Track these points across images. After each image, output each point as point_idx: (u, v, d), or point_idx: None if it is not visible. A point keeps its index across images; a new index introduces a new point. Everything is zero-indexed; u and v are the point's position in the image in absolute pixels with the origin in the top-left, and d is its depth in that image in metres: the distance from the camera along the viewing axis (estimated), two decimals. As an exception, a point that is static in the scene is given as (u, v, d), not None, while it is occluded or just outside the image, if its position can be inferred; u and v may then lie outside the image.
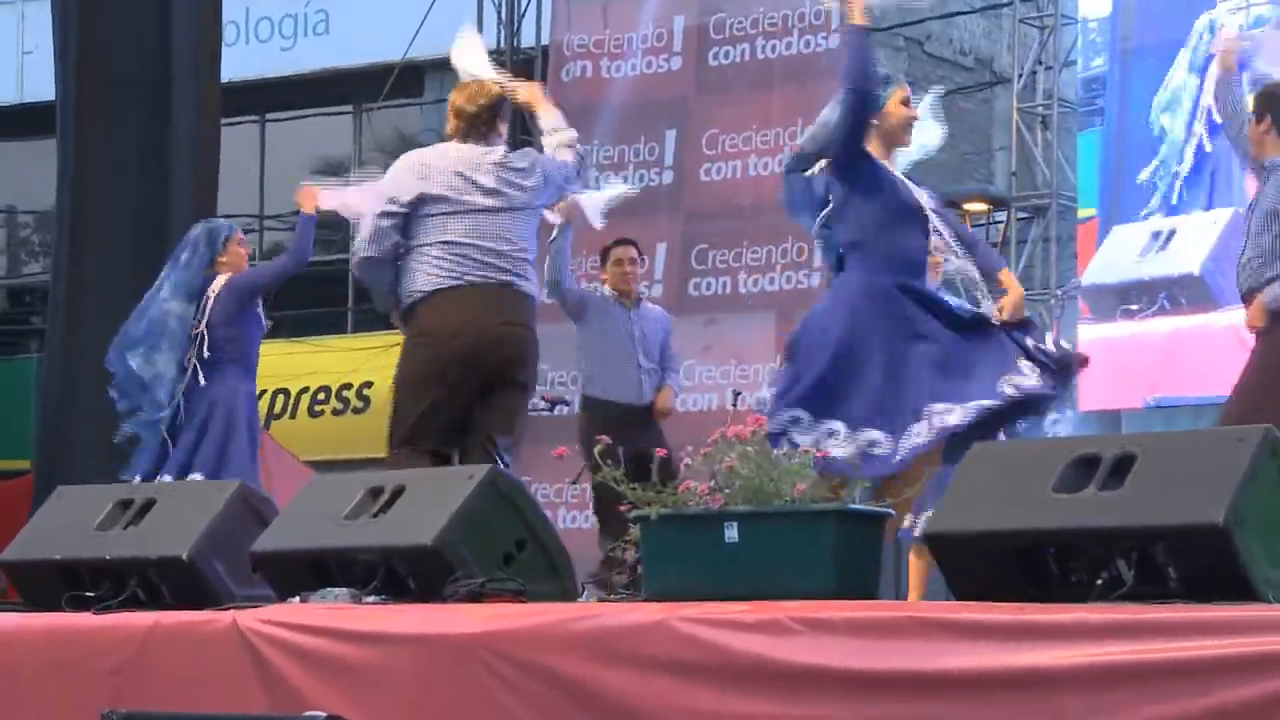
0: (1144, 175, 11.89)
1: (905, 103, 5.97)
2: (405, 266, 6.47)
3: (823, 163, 5.93)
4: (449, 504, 4.87)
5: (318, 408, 16.54)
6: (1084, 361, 5.92)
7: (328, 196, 7.00)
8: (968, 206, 13.49)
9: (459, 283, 6.38)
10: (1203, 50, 11.30)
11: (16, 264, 19.15)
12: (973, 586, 4.14)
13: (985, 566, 4.14)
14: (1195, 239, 11.50)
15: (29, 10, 17.30)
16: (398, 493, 5.02)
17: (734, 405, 8.78)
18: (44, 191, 14.75)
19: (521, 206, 6.50)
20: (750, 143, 11.60)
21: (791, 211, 6.07)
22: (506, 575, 4.80)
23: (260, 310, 8.31)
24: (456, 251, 6.39)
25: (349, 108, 17.14)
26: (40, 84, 14.80)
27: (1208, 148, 11.48)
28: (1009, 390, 5.60)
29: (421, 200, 6.48)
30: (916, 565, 5.91)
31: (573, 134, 6.74)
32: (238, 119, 15.93)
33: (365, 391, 16.21)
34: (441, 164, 6.55)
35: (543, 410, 10.89)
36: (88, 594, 5.28)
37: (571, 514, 11.42)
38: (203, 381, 7.92)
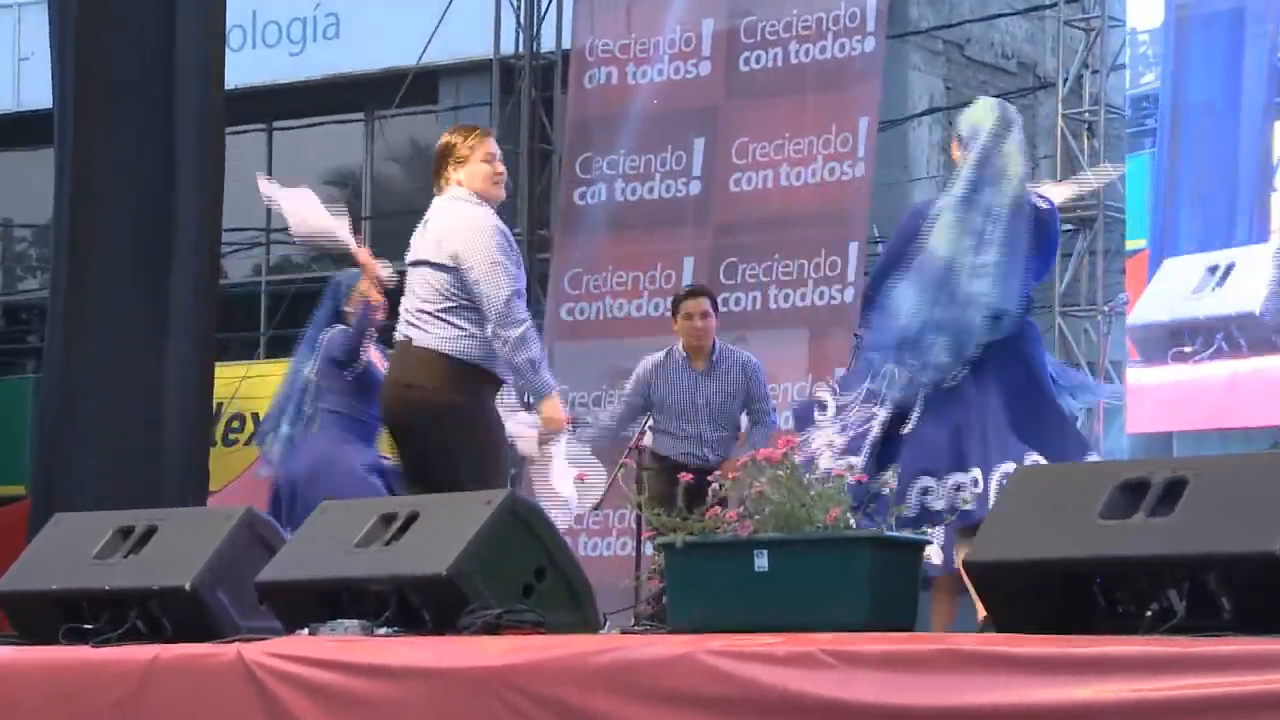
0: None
1: None
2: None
3: None
4: (465, 531, 4.87)
5: (327, 430, 16.56)
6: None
7: (271, 189, 7.16)
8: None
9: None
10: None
11: (12, 280, 19.23)
12: (1014, 618, 4.13)
13: (1028, 597, 4.14)
14: (1256, 273, 10.96)
15: (26, 15, 17.40)
16: (411, 519, 5.03)
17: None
18: (41, 204, 14.81)
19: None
20: (782, 151, 11.60)
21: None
22: (525, 606, 4.81)
23: (358, 365, 8.38)
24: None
25: (360, 115, 17.20)
26: (37, 91, 14.88)
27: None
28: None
29: None
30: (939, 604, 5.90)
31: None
32: (244, 127, 15.99)
33: (377, 413, 16.24)
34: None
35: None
36: (86, 626, 5.29)
37: (593, 541, 11.42)
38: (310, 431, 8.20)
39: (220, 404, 15.32)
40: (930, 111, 15.29)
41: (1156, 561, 4.00)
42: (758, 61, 11.93)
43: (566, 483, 6.65)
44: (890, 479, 5.16)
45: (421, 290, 6.44)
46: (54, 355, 9.88)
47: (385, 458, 8.40)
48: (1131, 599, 4.04)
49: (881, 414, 5.78)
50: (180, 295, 9.40)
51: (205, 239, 9.74)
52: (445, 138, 6.71)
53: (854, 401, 5.87)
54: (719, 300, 10.78)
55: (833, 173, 11.35)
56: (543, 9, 13.97)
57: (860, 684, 3.86)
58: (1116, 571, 4.07)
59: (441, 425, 6.22)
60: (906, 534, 4.74)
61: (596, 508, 8.95)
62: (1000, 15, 15.75)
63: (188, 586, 5.19)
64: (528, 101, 13.97)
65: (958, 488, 5.67)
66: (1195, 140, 11.50)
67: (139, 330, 9.58)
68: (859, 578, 4.45)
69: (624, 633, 5.35)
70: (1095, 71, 13.09)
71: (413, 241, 6.61)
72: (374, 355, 8.61)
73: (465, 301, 6.33)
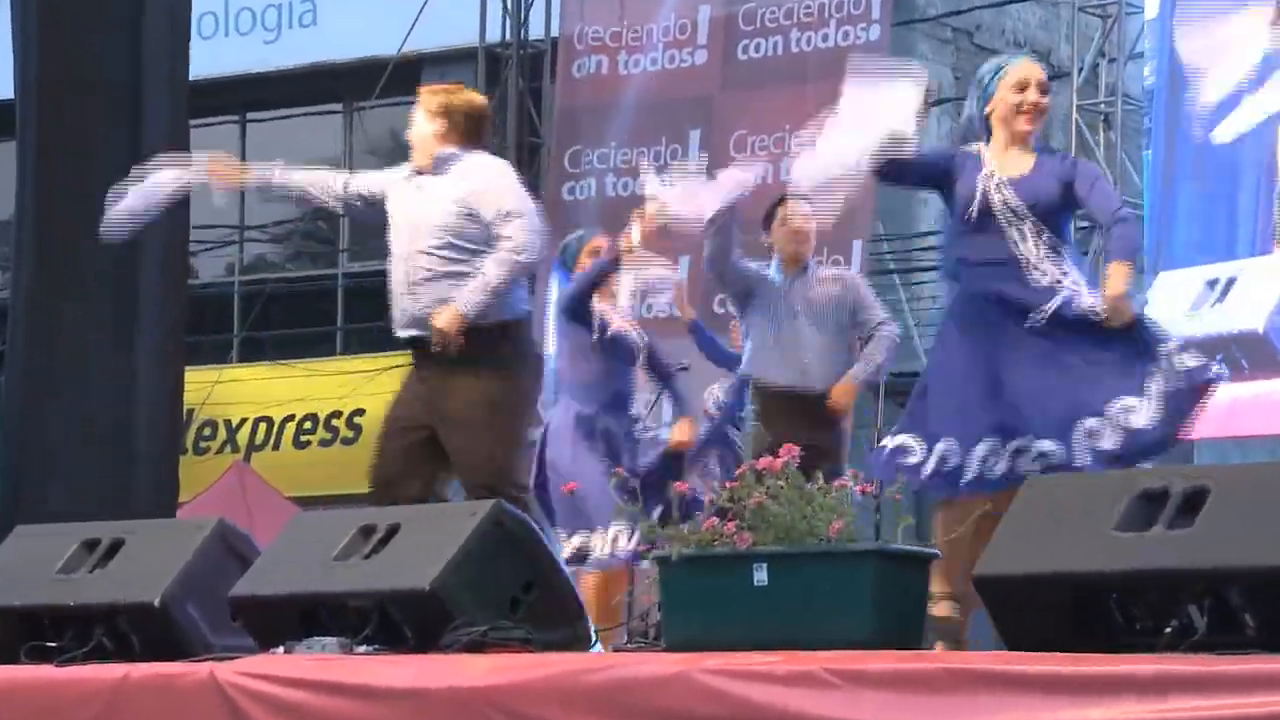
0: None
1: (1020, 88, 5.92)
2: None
3: None
4: (449, 544, 4.88)
5: (304, 438, 16.58)
6: (1204, 390, 5.67)
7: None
8: (1022, 214, 13.49)
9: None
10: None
11: (-28, 279, 19.22)
12: (1026, 636, 4.14)
13: (1040, 613, 4.15)
14: (1260, 288, 10.51)
15: (-14, 0, 17.39)
16: (392, 532, 5.03)
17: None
18: (2, 200, 14.81)
19: None
20: (782, 144, 11.60)
21: None
22: (512, 622, 4.81)
23: (579, 323, 8.01)
24: None
25: (338, 106, 17.20)
26: (-1, 81, 14.86)
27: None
28: (1104, 444, 5.46)
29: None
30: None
31: None
32: (215, 119, 16.00)
33: (356, 420, 16.24)
34: None
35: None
36: (50, 644, 5.29)
37: (584, 555, 11.41)
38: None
39: (191, 410, 15.33)
40: (939, 102, 15.28)
41: (1176, 575, 4.01)
42: (757, 50, 11.95)
43: None
44: (897, 490, 5.16)
45: None
46: (16, 358, 9.88)
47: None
48: (1149, 615, 4.05)
49: None
50: (148, 295, 9.43)
51: (174, 236, 9.76)
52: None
53: None
54: (717, 302, 10.74)
55: (835, 166, 11.35)
56: (531, -5, 13.99)
57: (865, 704, 3.86)
58: (1133, 586, 4.08)
59: None
60: (912, 547, 4.74)
61: None
62: (1012, 1, 15.77)
63: (157, 602, 5.19)
64: (515, 92, 13.99)
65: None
66: (1193, 141, 11.03)
67: (105, 331, 9.60)
68: (863, 593, 4.46)
69: (616, 650, 5.36)
70: (1112, 60, 13.11)
71: None
72: (619, 319, 8.08)
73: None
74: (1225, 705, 3.52)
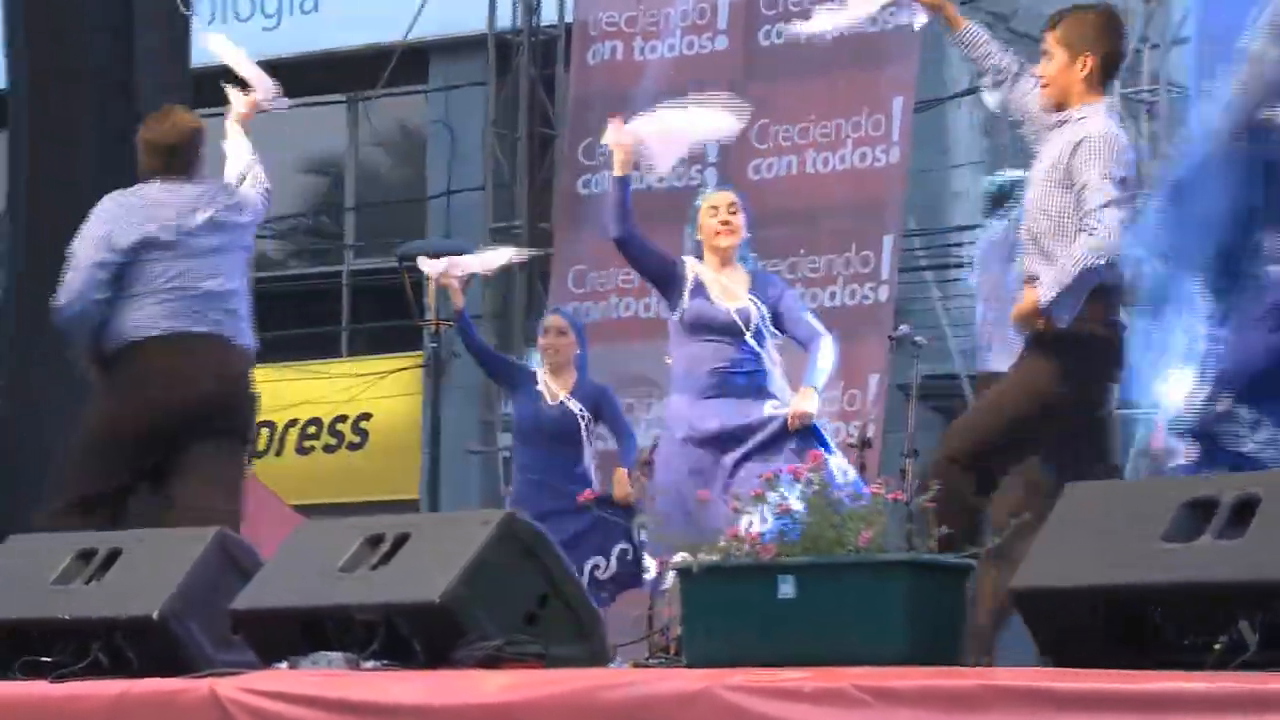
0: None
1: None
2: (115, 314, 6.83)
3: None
4: (460, 554, 4.88)
5: (307, 443, 16.60)
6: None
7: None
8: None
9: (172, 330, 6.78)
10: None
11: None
12: (1067, 651, 4.13)
13: (1081, 628, 4.14)
14: None
15: (-26, -14, 17.43)
16: (400, 541, 5.04)
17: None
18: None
19: (235, 247, 6.94)
20: (808, 135, 11.59)
21: None
22: (527, 636, 4.81)
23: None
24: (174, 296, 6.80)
25: (342, 97, 17.22)
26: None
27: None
28: None
29: (143, 245, 6.85)
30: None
31: (261, 171, 7.08)
32: (214, 109, 16.00)
33: (362, 424, 16.26)
34: (152, 204, 6.95)
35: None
36: (44, 659, 5.30)
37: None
38: None
39: (190, 414, 15.35)
40: (971, 91, 15.26)
41: (1226, 588, 3.99)
42: (779, 35, 11.92)
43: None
44: (930, 498, 5.15)
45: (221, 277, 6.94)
46: (7, 359, 9.91)
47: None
48: (1198, 631, 4.04)
49: None
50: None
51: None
52: (188, 121, 7.39)
53: None
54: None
55: (864, 158, 11.34)
56: (543, -22, 14.00)
57: (898, 723, 3.86)
58: (1181, 599, 4.06)
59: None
60: (947, 557, 4.73)
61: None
62: (1049, -16, 15.75)
63: (155, 615, 5.20)
64: (526, 81, 13.99)
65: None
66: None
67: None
68: (895, 606, 4.45)
69: (636, 666, 5.36)
70: (1155, 46, 13.06)
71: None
72: None
73: None
74: (1278, 724, 3.52)
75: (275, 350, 17.06)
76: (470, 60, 15.74)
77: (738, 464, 7.11)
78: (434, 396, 13.38)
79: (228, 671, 4.93)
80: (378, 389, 15.81)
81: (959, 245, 13.73)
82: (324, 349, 16.90)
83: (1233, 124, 5.04)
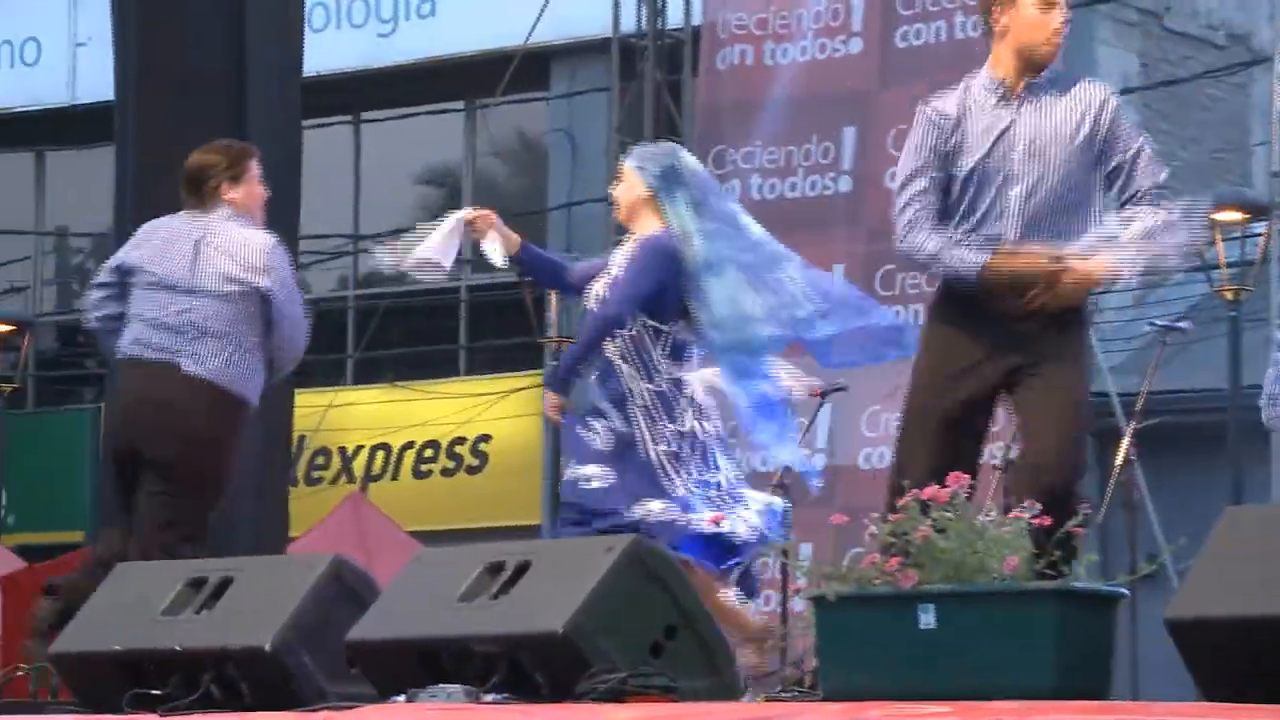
0: None
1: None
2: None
3: None
4: (584, 582, 4.89)
5: (424, 466, 16.70)
6: None
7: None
8: (1218, 216, 13.33)
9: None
10: None
11: (68, 296, 19.54)
12: (1225, 685, 4.09)
13: (1241, 660, 4.09)
14: None
15: (83, -5, 17.69)
16: (522, 569, 5.05)
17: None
18: (101, 210, 15.03)
19: (234, 298, 7.05)
20: (947, 141, 11.54)
21: None
22: (654, 669, 4.81)
23: None
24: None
25: (460, 105, 17.33)
26: (96, 82, 15.11)
27: None
28: None
29: (128, 269, 7.25)
30: None
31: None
32: (327, 119, 16.17)
33: (481, 446, 16.34)
34: (153, 231, 7.31)
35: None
36: (154, 692, 5.35)
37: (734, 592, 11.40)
38: None
39: (302, 437, 15.49)
40: (1123, 93, 15.15)
41: None
42: (917, 36, 11.89)
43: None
44: (1079, 522, 5.11)
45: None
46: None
47: None
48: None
49: None
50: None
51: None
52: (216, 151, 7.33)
53: None
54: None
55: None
56: (669, -21, 14.02)
57: (1045, 761, 3.83)
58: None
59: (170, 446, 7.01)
60: (1098, 585, 4.69)
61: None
62: (1204, -22, 15.63)
63: (268, 647, 5.24)
64: (651, 86, 14.02)
65: None
66: None
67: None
68: (1043, 636, 4.42)
69: (768, 700, 5.34)
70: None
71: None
72: None
73: None
74: None
75: (390, 370, 17.26)
76: (593, 65, 15.80)
77: None
78: (556, 417, 13.42)
79: (343, 705, 4.97)
80: (497, 409, 15.89)
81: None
82: (441, 368, 17.01)
83: None
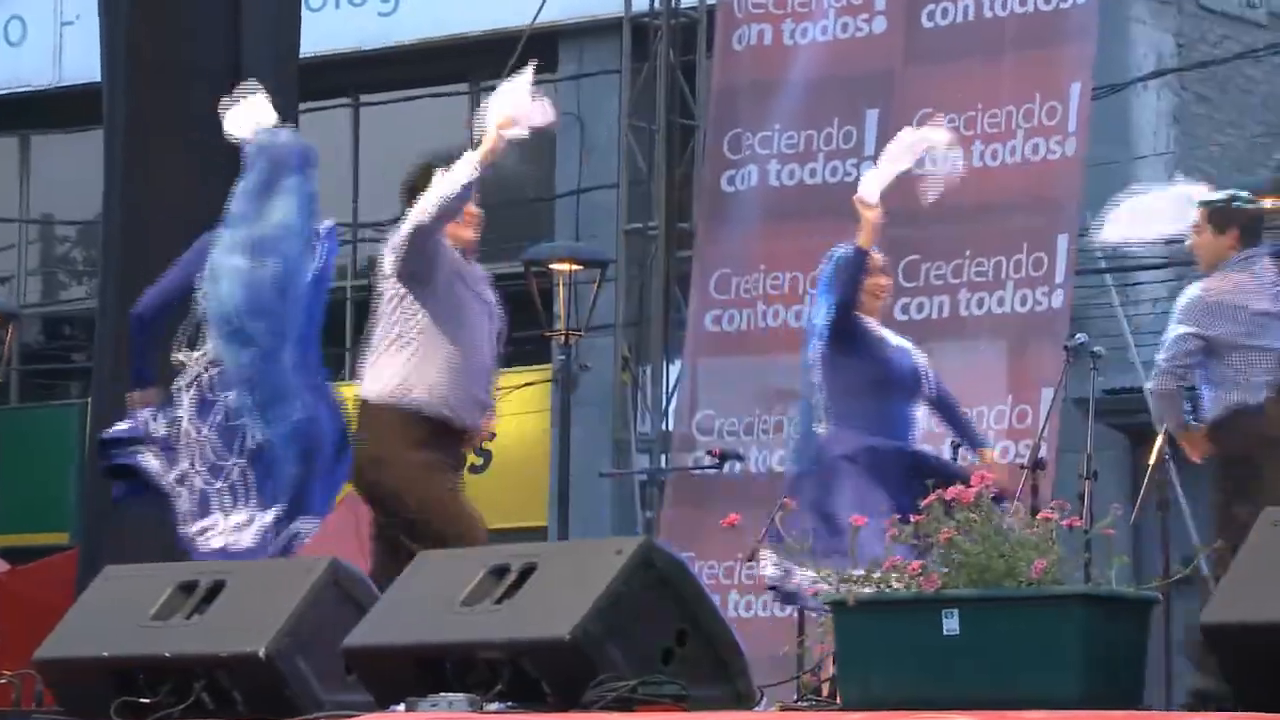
0: None
1: None
2: None
3: None
4: (591, 587, 4.90)
5: (426, 465, 16.68)
6: None
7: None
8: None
9: None
10: None
11: (54, 287, 19.57)
12: (1261, 693, 4.09)
13: (1277, 668, 4.10)
14: None
15: (67, -29, 17.70)
16: (526, 573, 5.07)
17: (954, 459, 8.72)
18: (88, 196, 15.05)
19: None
20: (975, 125, 11.52)
21: None
22: (664, 676, 4.82)
23: None
24: None
25: (464, 86, 17.33)
26: (82, 63, 15.14)
27: None
28: None
29: None
30: None
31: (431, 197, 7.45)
32: (325, 102, 16.18)
33: (485, 444, 16.30)
34: None
35: (709, 468, 10.90)
36: (143, 700, 5.37)
37: (745, 599, 11.42)
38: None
39: (299, 434, 15.49)
40: (1158, 74, 15.16)
41: None
42: (944, 16, 11.88)
43: None
44: (1110, 525, 5.12)
45: None
46: (105, 377, 10.02)
47: None
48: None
49: None
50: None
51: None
52: None
53: None
54: (898, 307, 10.69)
55: (1036, 150, 11.26)
56: (683, -45, 14.03)
57: (1073, 773, 3.84)
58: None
59: None
60: (1128, 590, 4.70)
61: (751, 560, 8.73)
62: (1247, -47, 15.62)
63: (262, 654, 5.26)
64: (665, 68, 14.02)
65: None
66: None
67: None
68: (1072, 642, 4.43)
69: (784, 710, 5.36)
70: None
71: None
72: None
73: None
74: None
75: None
76: (603, 46, 15.80)
77: None
78: (563, 414, 13.43)
79: (341, 714, 4.98)
80: (502, 406, 15.83)
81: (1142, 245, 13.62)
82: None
83: None
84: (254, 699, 5.27)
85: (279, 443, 6.71)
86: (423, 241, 7.12)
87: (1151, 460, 9.09)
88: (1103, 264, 13.99)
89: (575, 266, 13.76)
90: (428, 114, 17.35)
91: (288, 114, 10.13)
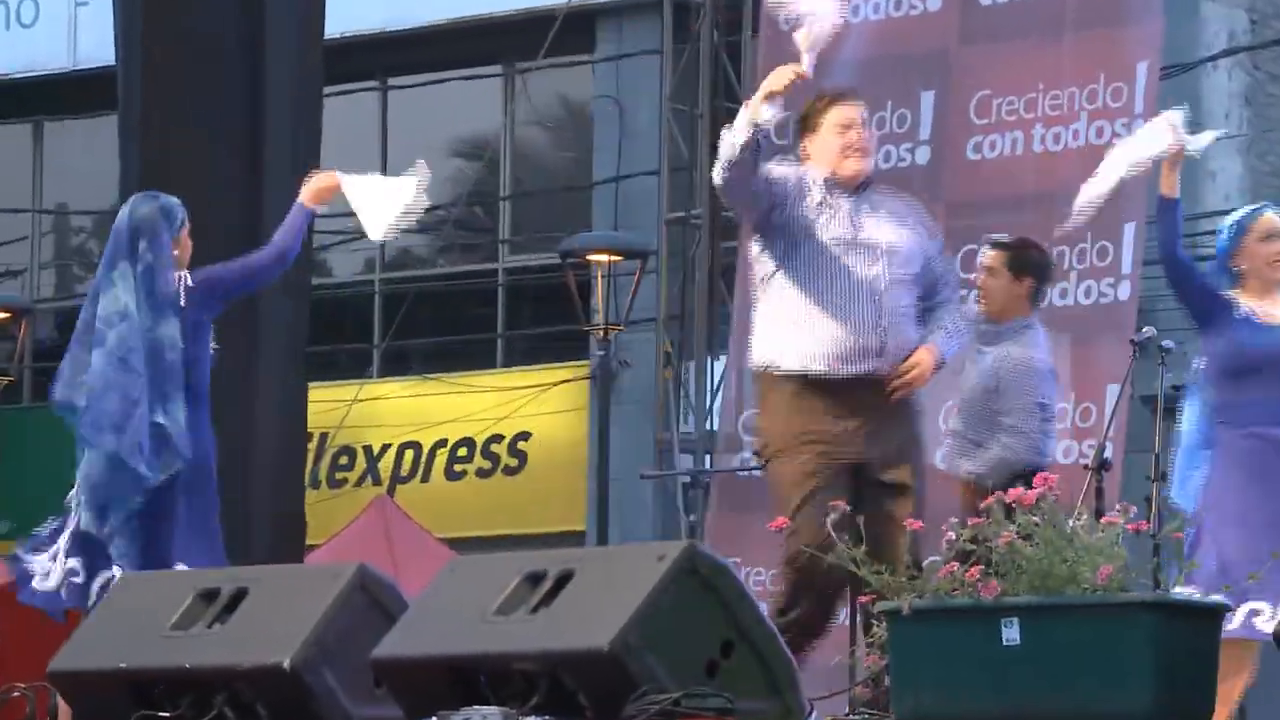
0: None
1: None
2: None
3: None
4: (632, 595, 4.91)
5: (458, 467, 16.74)
6: None
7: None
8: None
9: None
10: None
11: (68, 280, 19.64)
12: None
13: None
14: None
15: (82, -49, 17.76)
16: (564, 580, 5.07)
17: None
18: (104, 185, 15.10)
19: None
20: (1035, 108, 11.52)
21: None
22: (709, 689, 4.83)
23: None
24: None
25: (498, 68, 17.35)
26: (98, 46, 15.17)
27: None
28: None
29: None
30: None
31: None
32: (351, 85, 16.21)
33: (520, 445, 16.36)
34: None
35: (755, 469, 10.91)
36: (162, 714, 5.39)
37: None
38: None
39: (324, 435, 15.54)
40: (1230, 53, 15.12)
41: None
42: (1003, -9, 11.86)
43: None
44: (1179, 528, 5.12)
45: None
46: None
47: None
48: None
49: None
50: (269, 297, 9.55)
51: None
52: None
53: None
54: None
55: (1101, 134, 11.25)
56: (728, -69, 14.03)
57: (1140, 790, 3.84)
58: None
59: None
60: (1200, 597, 4.70)
61: None
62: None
63: (287, 665, 5.27)
64: (708, 48, 14.02)
65: None
66: None
67: (219, 340, 9.75)
68: (1139, 653, 4.42)
69: (836, 724, 5.36)
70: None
71: None
72: None
73: None
74: None
75: (421, 361, 17.30)
76: (643, 25, 15.81)
77: None
78: (602, 413, 13.45)
79: (369, 728, 4.99)
80: (537, 404, 15.91)
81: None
82: (476, 359, 17.03)
83: None
84: (278, 712, 5.29)
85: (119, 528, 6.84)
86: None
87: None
88: (1172, 253, 13.92)
89: (614, 258, 13.76)
90: (459, 98, 17.38)
91: (314, 94, 10.18)
